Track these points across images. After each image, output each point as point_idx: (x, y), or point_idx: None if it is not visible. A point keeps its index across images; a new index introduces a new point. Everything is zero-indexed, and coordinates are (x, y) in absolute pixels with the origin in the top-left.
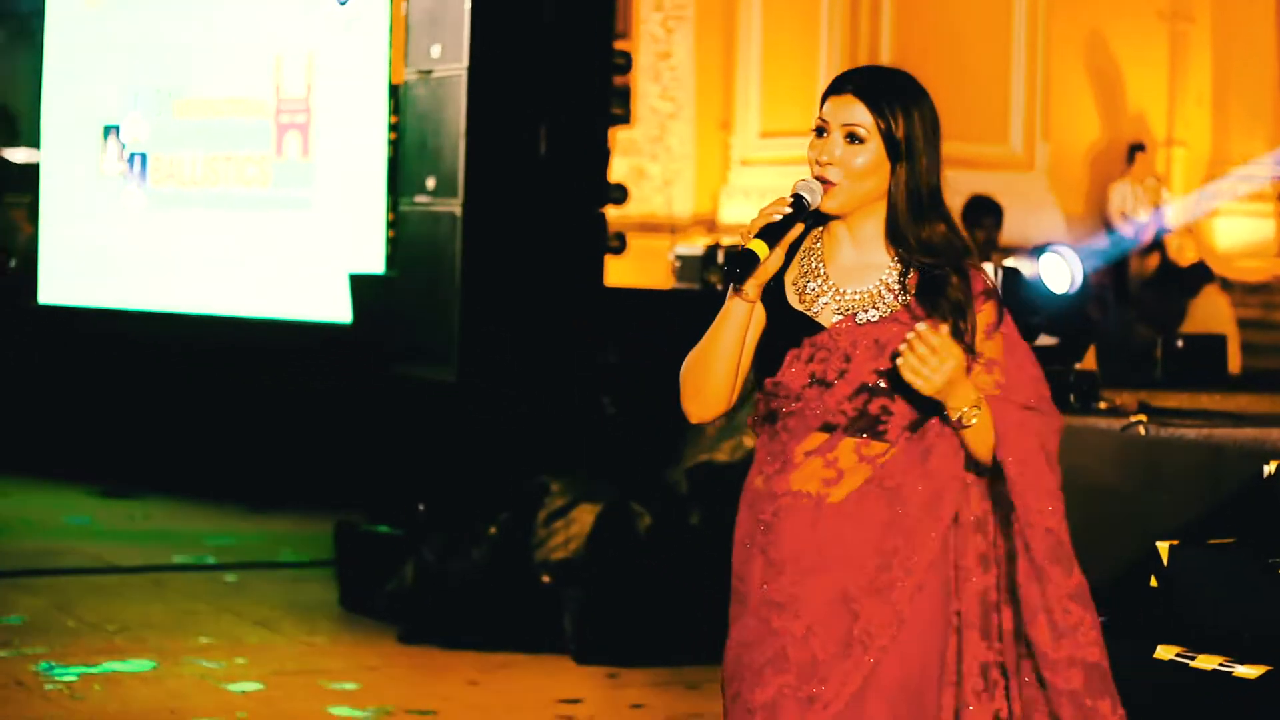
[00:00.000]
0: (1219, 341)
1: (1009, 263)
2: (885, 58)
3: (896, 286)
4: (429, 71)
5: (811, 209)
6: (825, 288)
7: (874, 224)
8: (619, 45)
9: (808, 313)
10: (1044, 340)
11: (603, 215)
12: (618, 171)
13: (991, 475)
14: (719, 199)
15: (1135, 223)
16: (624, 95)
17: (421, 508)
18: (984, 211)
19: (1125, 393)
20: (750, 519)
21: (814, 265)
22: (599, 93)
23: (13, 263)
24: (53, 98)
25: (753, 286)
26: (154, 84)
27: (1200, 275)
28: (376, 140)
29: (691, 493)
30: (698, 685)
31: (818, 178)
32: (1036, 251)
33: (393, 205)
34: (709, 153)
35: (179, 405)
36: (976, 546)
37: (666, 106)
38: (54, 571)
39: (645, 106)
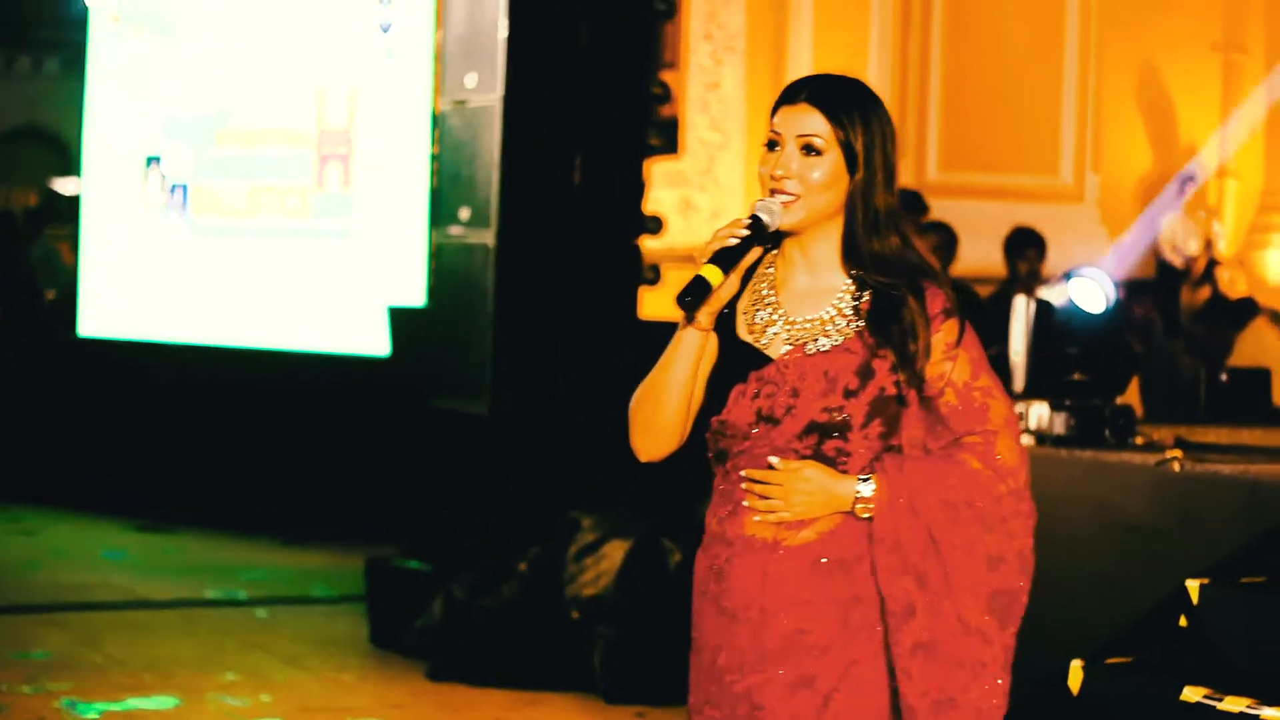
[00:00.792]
0: (1263, 375)
1: (1042, 294)
2: (935, 88)
3: (850, 312)
4: (463, 101)
5: (771, 230)
6: (775, 316)
7: (828, 244)
8: (667, 76)
9: (756, 344)
10: (1079, 376)
11: (638, 247)
12: (666, 203)
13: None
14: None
15: (1185, 255)
16: (669, 126)
17: (451, 543)
18: (1027, 243)
19: (1164, 428)
20: (705, 563)
21: (764, 292)
22: (636, 123)
23: (50, 294)
24: (94, 128)
25: (705, 315)
26: (196, 115)
27: (1248, 309)
28: (417, 170)
29: None
30: None
31: (774, 192)
32: (1066, 277)
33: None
34: (757, 183)
35: (216, 438)
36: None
37: (715, 138)
38: (85, 606)
39: (694, 138)
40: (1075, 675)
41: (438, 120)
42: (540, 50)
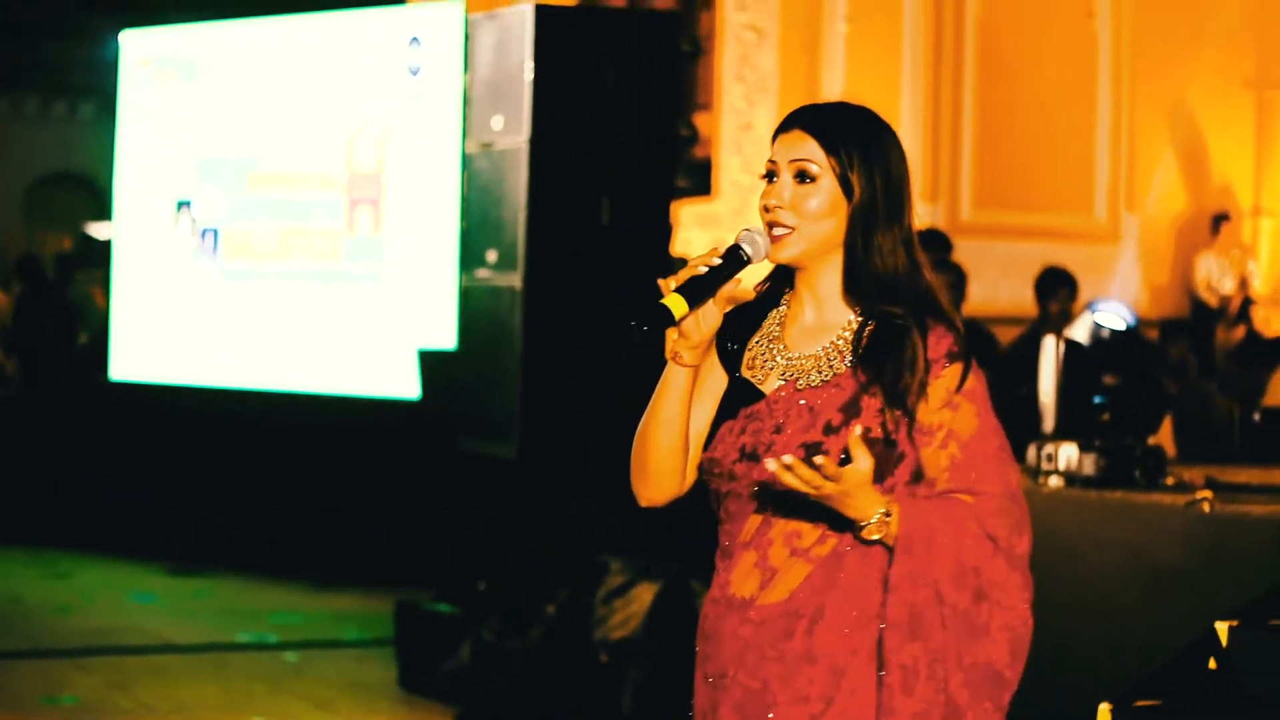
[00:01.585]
0: None
1: (1069, 334)
2: (968, 128)
3: (848, 348)
4: (490, 144)
5: (753, 262)
6: (776, 351)
7: (833, 277)
8: (701, 117)
9: (753, 380)
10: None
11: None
12: (699, 244)
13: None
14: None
15: (1220, 294)
16: (701, 168)
17: (480, 586)
18: (1058, 283)
19: (1196, 468)
20: (701, 616)
21: (773, 329)
22: (664, 164)
23: (83, 338)
24: (125, 172)
25: (688, 350)
26: (226, 158)
27: None
28: (447, 213)
29: None
30: None
31: (770, 225)
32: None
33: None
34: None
35: (247, 481)
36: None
37: (748, 179)
38: (115, 650)
39: (727, 179)
40: (1104, 718)
41: (465, 162)
42: (566, 92)
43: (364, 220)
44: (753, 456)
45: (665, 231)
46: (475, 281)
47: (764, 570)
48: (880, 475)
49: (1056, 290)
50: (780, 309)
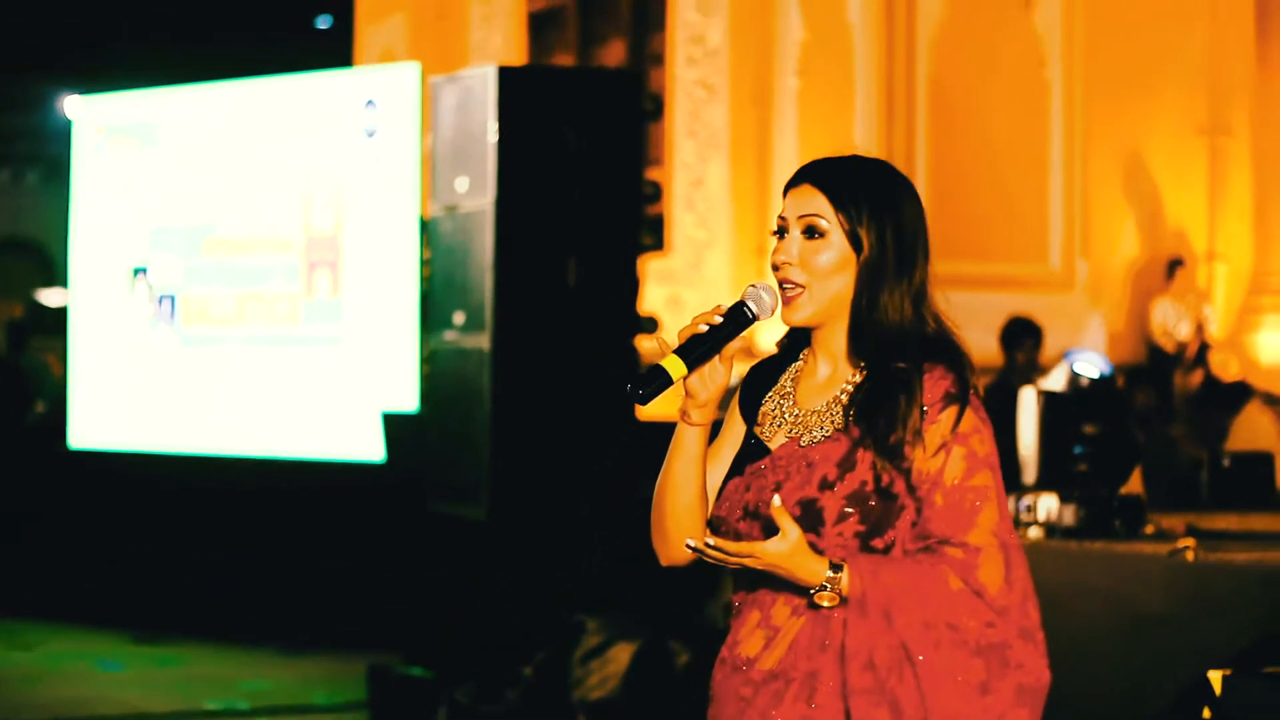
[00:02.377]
0: (1267, 460)
1: (1042, 385)
2: (922, 179)
3: (849, 401)
4: (455, 206)
5: (759, 319)
6: (786, 408)
7: (843, 335)
8: (652, 173)
9: (762, 437)
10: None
11: (635, 346)
12: (654, 300)
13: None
14: (757, 326)
15: (1177, 340)
16: (657, 224)
17: (454, 649)
18: (1024, 333)
19: (1172, 515)
20: (711, 677)
21: (788, 385)
22: (629, 222)
23: (40, 407)
24: (81, 239)
25: (695, 409)
26: (182, 224)
27: (1242, 392)
28: (407, 275)
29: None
30: None
31: (781, 283)
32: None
33: (427, 340)
34: (746, 279)
35: (211, 547)
36: None
37: (702, 235)
38: None
39: (681, 235)
40: None
41: (429, 225)
42: (530, 153)
43: (322, 283)
44: (755, 514)
45: (632, 289)
46: (442, 344)
47: (767, 629)
48: (880, 528)
49: (1023, 340)
50: (797, 364)
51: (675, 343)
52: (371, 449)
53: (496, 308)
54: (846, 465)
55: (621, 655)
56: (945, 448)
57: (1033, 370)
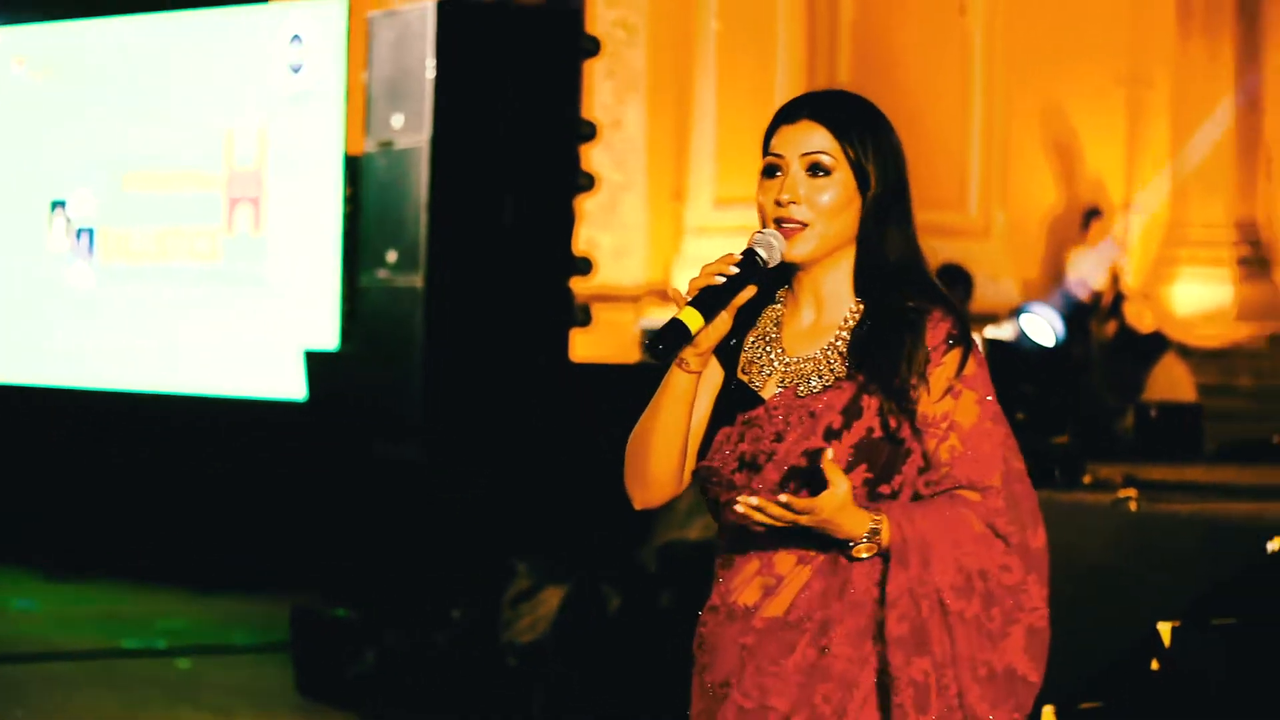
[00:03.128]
0: (1194, 410)
1: (989, 333)
2: None
3: (846, 347)
4: (389, 142)
5: (769, 266)
6: (774, 354)
7: (839, 275)
8: None
9: (750, 384)
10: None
11: (569, 288)
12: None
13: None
14: (671, 269)
15: (1091, 289)
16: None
17: (380, 590)
18: (953, 281)
19: (1106, 465)
20: (698, 629)
21: (770, 330)
22: (564, 162)
23: None
24: None
25: (694, 356)
26: (102, 157)
27: (1158, 343)
28: (330, 213)
29: (661, 572)
30: None
31: (779, 221)
32: (1014, 314)
33: (350, 280)
34: (661, 222)
35: (125, 484)
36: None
37: (618, 177)
38: (0, 659)
39: (596, 177)
40: None
41: (362, 161)
42: (468, 90)
43: (244, 219)
44: (753, 465)
45: (568, 228)
46: (374, 281)
47: (768, 577)
48: (888, 474)
49: (952, 287)
50: (776, 307)
51: (688, 294)
52: (293, 388)
53: (430, 246)
54: (852, 413)
55: (552, 598)
56: (953, 392)
57: None
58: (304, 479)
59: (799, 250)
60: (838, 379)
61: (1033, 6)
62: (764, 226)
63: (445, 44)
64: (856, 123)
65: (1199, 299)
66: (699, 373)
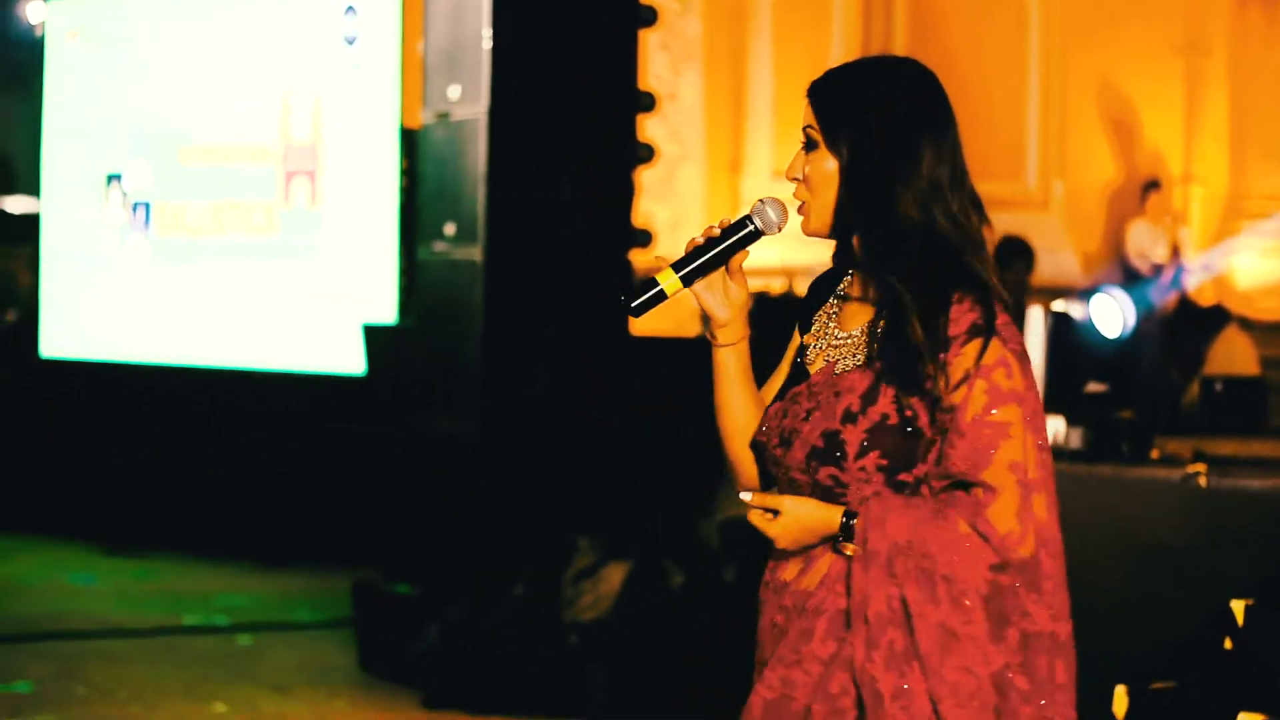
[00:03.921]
0: (1258, 385)
1: (1058, 306)
2: None
3: (871, 329)
4: (446, 114)
5: (765, 234)
6: (831, 329)
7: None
8: None
9: (806, 360)
10: (1094, 386)
11: (628, 260)
12: None
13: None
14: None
15: (1152, 262)
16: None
17: (442, 566)
18: (1014, 254)
19: (1172, 440)
20: (759, 598)
21: (837, 304)
22: (624, 133)
23: (10, 315)
24: (53, 146)
25: (717, 329)
26: (158, 131)
27: (1219, 316)
28: (387, 186)
29: (724, 549)
30: None
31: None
32: (1086, 294)
33: (407, 253)
34: (718, 194)
35: (185, 460)
36: None
37: (674, 149)
38: (61, 635)
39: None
40: (1120, 701)
41: (419, 133)
42: (525, 60)
43: (300, 193)
44: (788, 442)
45: (627, 201)
46: (432, 254)
47: (804, 556)
48: (906, 463)
49: (1013, 261)
50: (848, 279)
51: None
52: (351, 362)
53: (489, 218)
54: (869, 398)
55: (614, 575)
56: (968, 381)
57: (1023, 292)
58: (364, 453)
59: (805, 227)
60: (869, 359)
61: None
62: None
63: (501, 14)
64: (835, 94)
65: (1260, 272)
66: (731, 345)
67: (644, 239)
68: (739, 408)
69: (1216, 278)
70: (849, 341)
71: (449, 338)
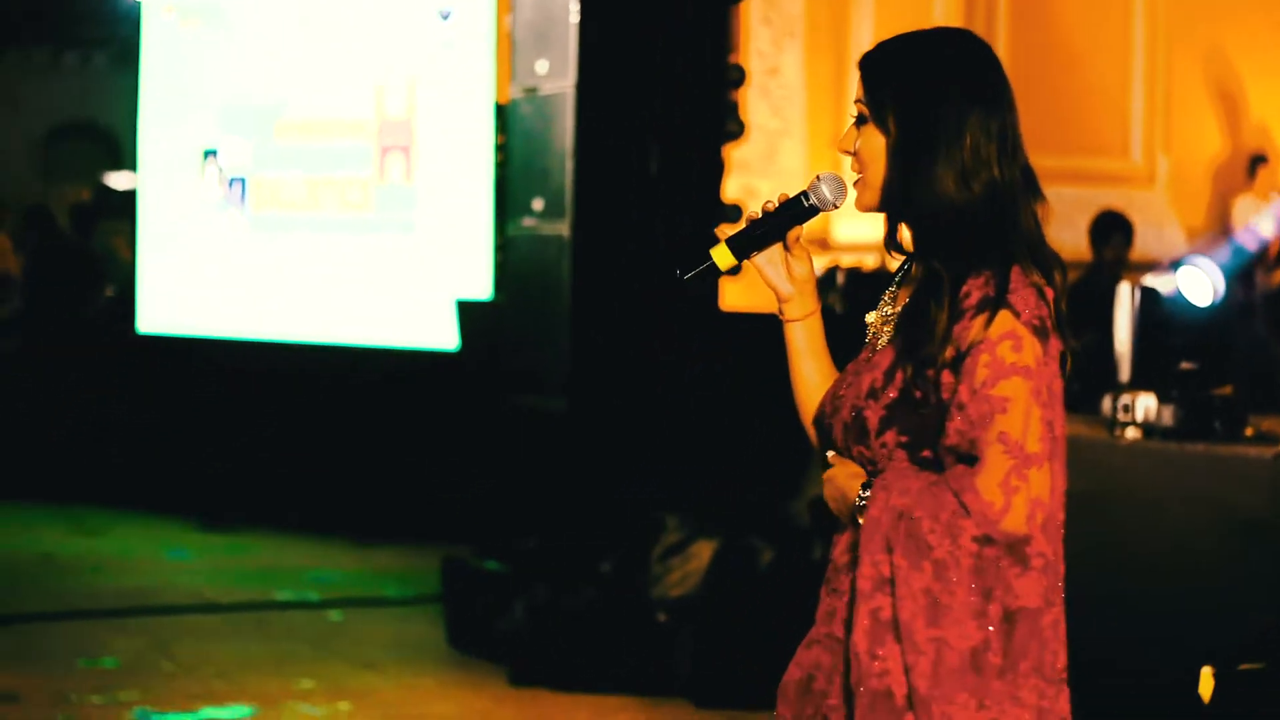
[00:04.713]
0: None
1: (1147, 281)
2: None
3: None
4: (534, 89)
5: (821, 209)
6: (892, 306)
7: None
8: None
9: (868, 339)
10: (1186, 365)
11: (717, 236)
12: (729, 190)
13: None
14: (830, 217)
15: (1259, 236)
16: (736, 111)
17: (530, 542)
18: (1112, 228)
19: (1268, 418)
20: None
21: (897, 284)
22: (713, 108)
23: (110, 291)
24: (150, 122)
25: (785, 305)
26: (253, 106)
27: None
28: (481, 161)
29: (814, 526)
30: None
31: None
32: (1174, 265)
33: (501, 228)
34: (820, 169)
35: (279, 435)
36: None
37: (776, 124)
38: (152, 611)
39: (755, 124)
40: (1206, 682)
41: (507, 108)
42: (613, 34)
43: (395, 168)
44: (833, 418)
45: (716, 176)
46: (520, 230)
47: (846, 531)
48: (927, 439)
49: (1111, 235)
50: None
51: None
52: (445, 337)
53: (577, 194)
54: (889, 375)
55: (703, 552)
56: (972, 353)
57: (1121, 267)
58: (457, 429)
59: (858, 202)
60: (893, 336)
61: None
62: None
63: None
64: (881, 66)
65: None
66: (799, 319)
67: (734, 214)
68: (812, 383)
69: None
70: (894, 320)
71: (538, 313)
